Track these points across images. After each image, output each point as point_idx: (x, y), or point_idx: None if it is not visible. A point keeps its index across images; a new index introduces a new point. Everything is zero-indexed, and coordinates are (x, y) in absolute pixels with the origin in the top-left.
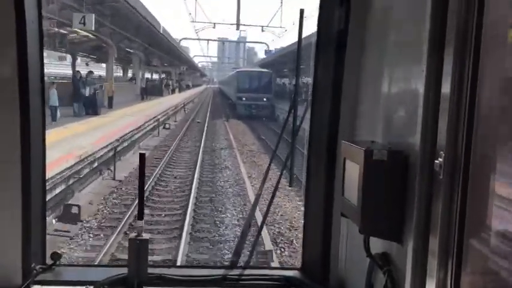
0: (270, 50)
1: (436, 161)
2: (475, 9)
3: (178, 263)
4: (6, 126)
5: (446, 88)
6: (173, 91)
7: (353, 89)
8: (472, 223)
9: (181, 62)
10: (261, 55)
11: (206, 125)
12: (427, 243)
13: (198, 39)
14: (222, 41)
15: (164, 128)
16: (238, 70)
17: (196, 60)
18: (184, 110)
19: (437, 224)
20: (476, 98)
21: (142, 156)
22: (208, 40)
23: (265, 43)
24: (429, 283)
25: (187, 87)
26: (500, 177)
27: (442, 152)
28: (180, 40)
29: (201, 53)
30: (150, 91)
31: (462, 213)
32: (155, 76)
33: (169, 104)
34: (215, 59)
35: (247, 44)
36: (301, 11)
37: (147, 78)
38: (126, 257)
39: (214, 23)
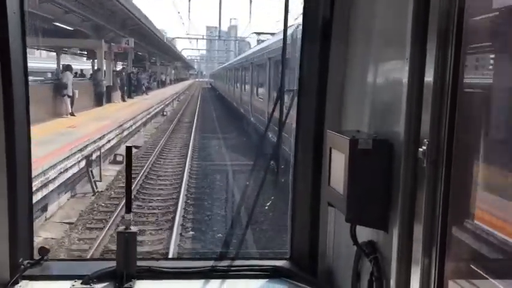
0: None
1: (420, 149)
2: None
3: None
4: None
5: (429, 77)
6: (97, 102)
7: (339, 79)
8: (455, 210)
9: (126, 27)
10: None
11: None
12: (412, 230)
13: None
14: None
15: None
16: None
17: (180, 47)
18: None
19: (421, 211)
20: (459, 87)
21: (129, 150)
22: None
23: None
24: (414, 270)
25: (162, 84)
26: (482, 164)
27: (425, 140)
28: None
29: (186, 35)
30: None
31: (446, 200)
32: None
33: None
34: (203, 49)
35: (238, 35)
36: (286, 1)
37: None
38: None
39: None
